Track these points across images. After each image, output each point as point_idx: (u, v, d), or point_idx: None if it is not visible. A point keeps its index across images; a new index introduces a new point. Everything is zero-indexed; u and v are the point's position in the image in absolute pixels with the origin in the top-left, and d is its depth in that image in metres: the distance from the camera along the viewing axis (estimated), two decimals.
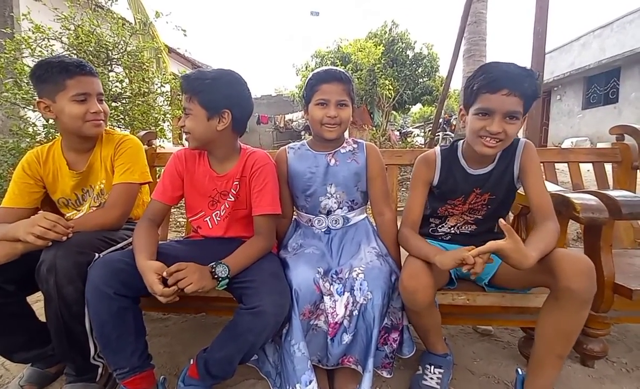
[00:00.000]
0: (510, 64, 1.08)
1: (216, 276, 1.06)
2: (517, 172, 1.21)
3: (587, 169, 1.84)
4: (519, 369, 1.15)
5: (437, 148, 1.31)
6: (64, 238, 1.09)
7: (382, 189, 1.37)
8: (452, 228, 1.35)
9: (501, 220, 0.97)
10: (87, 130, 1.29)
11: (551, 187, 1.64)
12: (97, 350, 1.14)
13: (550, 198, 1.15)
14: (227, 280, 1.08)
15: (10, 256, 1.07)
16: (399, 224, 1.32)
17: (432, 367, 1.22)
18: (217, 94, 1.17)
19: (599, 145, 11.27)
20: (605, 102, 12.44)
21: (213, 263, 1.08)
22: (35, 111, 3.21)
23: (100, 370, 1.18)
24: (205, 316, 1.72)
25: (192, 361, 1.16)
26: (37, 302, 1.27)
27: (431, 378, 1.20)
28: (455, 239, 1.34)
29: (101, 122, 1.31)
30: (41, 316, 1.19)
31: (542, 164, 1.77)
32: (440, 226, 1.37)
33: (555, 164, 1.85)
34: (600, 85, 12.64)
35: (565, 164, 1.84)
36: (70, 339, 1.10)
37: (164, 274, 1.02)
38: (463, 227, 1.34)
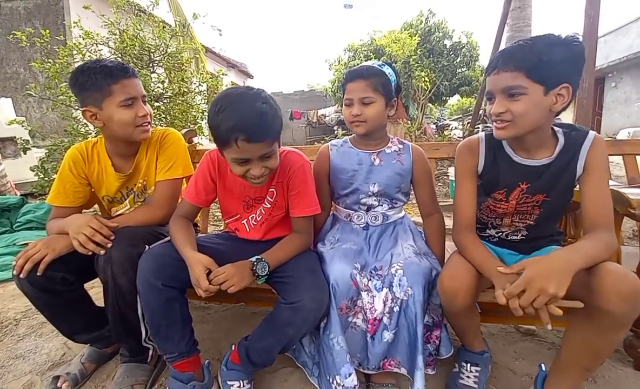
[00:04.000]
0: (519, 41, 1.01)
1: (257, 274, 1.10)
2: (580, 171, 1.05)
3: None
4: (543, 365, 1.09)
5: (482, 133, 1.19)
6: (102, 251, 1.13)
7: (430, 192, 1.37)
8: (499, 233, 1.23)
9: (499, 268, 0.92)
10: (137, 136, 1.29)
11: None
12: (148, 334, 1.22)
13: (612, 206, 1.00)
14: (266, 276, 1.12)
15: (70, 247, 1.16)
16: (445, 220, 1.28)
17: (469, 365, 1.18)
18: None
19: None
20: None
21: (254, 260, 1.12)
22: None
23: (151, 352, 1.27)
24: (244, 306, 1.78)
25: (233, 347, 1.21)
26: (92, 288, 1.39)
27: (468, 377, 1.17)
28: (502, 243, 1.24)
29: (149, 125, 1.31)
30: (97, 302, 1.29)
31: None
32: (487, 229, 1.26)
33: (609, 157, 1.72)
34: None
35: (620, 157, 1.70)
36: (124, 323, 1.19)
37: (211, 277, 1.05)
38: (511, 235, 1.21)
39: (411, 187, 1.40)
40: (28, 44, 3.59)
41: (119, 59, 3.85)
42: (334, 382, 1.11)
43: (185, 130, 2.01)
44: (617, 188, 1.13)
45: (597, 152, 1.03)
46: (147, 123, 1.30)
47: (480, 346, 1.20)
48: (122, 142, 1.33)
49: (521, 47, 0.98)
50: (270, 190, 1.27)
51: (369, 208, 1.35)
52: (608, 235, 0.95)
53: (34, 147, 4.16)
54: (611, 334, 0.90)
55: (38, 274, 1.12)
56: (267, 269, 1.11)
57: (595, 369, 0.98)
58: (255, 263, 1.11)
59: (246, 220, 1.32)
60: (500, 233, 1.23)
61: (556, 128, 1.10)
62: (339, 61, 12.83)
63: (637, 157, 1.68)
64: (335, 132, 11.83)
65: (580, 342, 0.96)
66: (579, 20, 2.32)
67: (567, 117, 1.28)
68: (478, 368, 1.17)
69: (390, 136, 1.39)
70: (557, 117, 1.06)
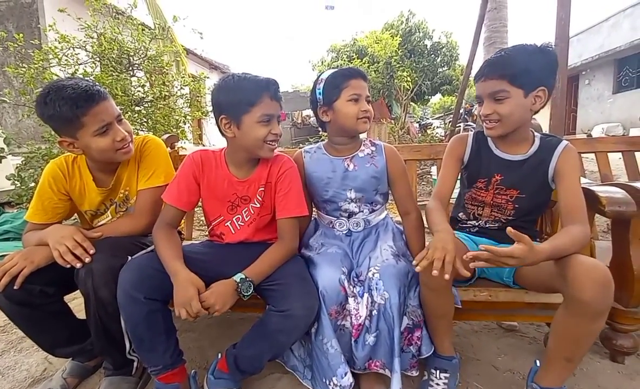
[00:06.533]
0: (501, 51, 1.16)
1: (241, 294, 1.08)
2: (552, 172, 1.18)
3: (618, 157, 1.77)
4: (537, 361, 1.13)
5: (472, 132, 1.36)
6: (78, 265, 1.10)
7: (406, 190, 1.38)
8: (479, 222, 1.32)
9: (509, 228, 0.94)
10: (119, 158, 1.26)
11: None
12: (132, 346, 1.20)
13: (584, 203, 1.09)
14: (251, 294, 1.10)
15: (50, 258, 1.13)
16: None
17: (438, 372, 1.19)
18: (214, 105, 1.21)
19: (632, 131, 10.70)
20: (638, 85, 11.78)
21: (238, 279, 1.09)
22: None
23: (135, 364, 1.25)
24: (230, 313, 1.76)
25: (220, 355, 1.20)
26: (73, 300, 1.35)
27: (437, 384, 1.18)
28: (483, 231, 1.32)
29: (130, 146, 1.27)
30: (78, 313, 1.26)
31: None
32: (469, 221, 1.35)
33: (583, 155, 1.79)
34: (633, 67, 11.96)
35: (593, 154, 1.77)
36: (108, 336, 1.16)
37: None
38: (490, 223, 1.30)
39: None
40: (1, 48, 3.47)
41: (97, 63, 3.76)
42: (331, 383, 1.11)
43: (168, 135, 1.98)
44: (589, 186, 1.17)
45: (568, 157, 1.16)
46: (127, 144, 1.26)
47: (450, 351, 1.21)
48: (103, 162, 1.29)
49: (503, 57, 1.14)
50: (260, 189, 1.27)
51: (350, 215, 1.36)
52: (581, 227, 1.04)
53: (9, 154, 4.01)
54: (588, 323, 0.95)
55: (15, 287, 1.09)
56: (251, 288, 1.10)
57: (576, 360, 1.02)
58: (240, 284, 1.08)
59: (230, 221, 1.30)
60: (480, 222, 1.33)
61: (535, 133, 1.23)
62: (322, 62, 12.87)
63: (610, 153, 1.76)
64: (320, 133, 11.86)
65: (562, 333, 1.01)
66: (552, 22, 2.40)
67: (543, 114, 1.37)
68: (447, 375, 1.18)
69: (362, 139, 1.40)
70: (533, 117, 1.20)
